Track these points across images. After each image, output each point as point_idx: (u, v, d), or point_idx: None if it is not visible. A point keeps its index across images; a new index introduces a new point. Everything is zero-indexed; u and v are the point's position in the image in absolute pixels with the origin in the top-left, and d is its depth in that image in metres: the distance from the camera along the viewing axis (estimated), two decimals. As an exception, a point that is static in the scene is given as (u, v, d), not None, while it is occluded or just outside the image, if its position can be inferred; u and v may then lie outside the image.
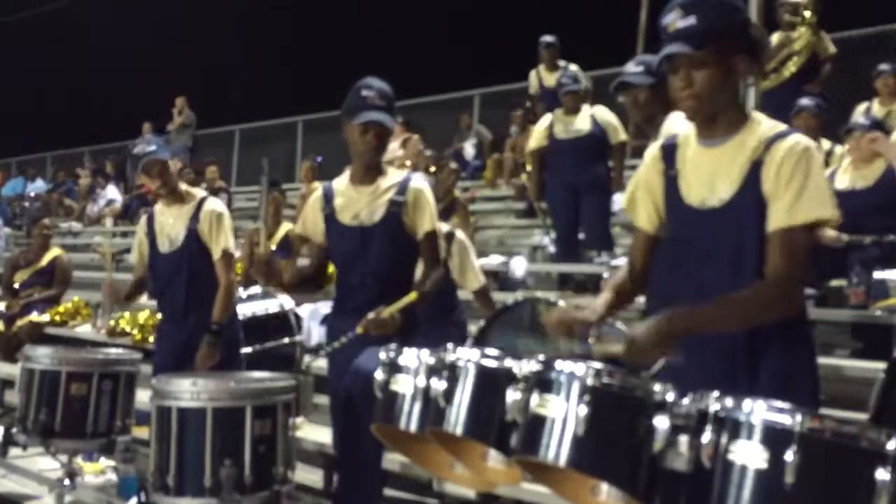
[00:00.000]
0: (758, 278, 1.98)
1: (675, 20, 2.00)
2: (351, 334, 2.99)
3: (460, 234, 4.89)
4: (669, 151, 2.17)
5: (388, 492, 3.89)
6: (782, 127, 2.05)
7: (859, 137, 4.85)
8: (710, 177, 2.06)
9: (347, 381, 3.02)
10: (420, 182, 3.23)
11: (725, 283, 2.01)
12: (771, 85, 6.52)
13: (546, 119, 6.62)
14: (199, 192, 3.96)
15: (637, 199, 2.25)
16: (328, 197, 3.25)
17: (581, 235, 6.46)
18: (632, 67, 3.28)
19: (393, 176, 3.22)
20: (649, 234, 2.23)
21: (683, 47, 1.97)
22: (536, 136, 6.65)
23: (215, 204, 3.85)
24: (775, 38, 6.61)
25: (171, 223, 3.84)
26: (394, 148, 10.13)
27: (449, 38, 16.02)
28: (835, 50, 6.89)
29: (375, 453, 3.03)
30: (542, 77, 8.26)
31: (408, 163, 8.98)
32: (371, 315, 2.94)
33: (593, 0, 13.16)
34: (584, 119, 6.37)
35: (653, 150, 2.25)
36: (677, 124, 3.04)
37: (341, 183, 3.27)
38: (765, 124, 2.06)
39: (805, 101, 5.60)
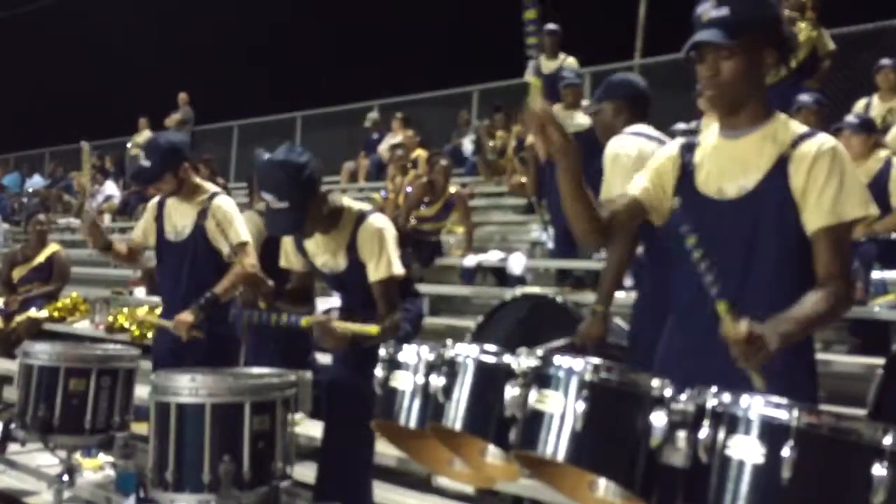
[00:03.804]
0: (769, 271, 1.99)
1: (708, 10, 2.01)
2: (294, 319, 2.95)
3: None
4: (690, 148, 2.17)
5: (386, 487, 3.90)
6: (805, 127, 2.07)
7: (849, 136, 4.86)
8: (732, 167, 2.06)
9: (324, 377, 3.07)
10: (372, 224, 3.04)
11: (735, 275, 2.01)
12: (770, 80, 6.52)
13: None
14: (211, 188, 3.89)
15: (640, 181, 2.20)
16: (298, 239, 3.20)
17: None
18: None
19: (347, 218, 3.08)
20: (637, 199, 2.17)
21: (714, 35, 1.97)
22: None
23: (225, 201, 3.79)
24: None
25: (180, 212, 3.81)
26: (395, 142, 10.17)
27: (448, 35, 16.01)
28: (834, 46, 6.88)
29: (353, 446, 3.05)
30: (540, 65, 8.24)
31: (399, 152, 9.03)
32: (322, 317, 2.91)
33: (593, -4, 13.17)
34: (585, 114, 6.37)
35: (671, 148, 2.22)
36: (621, 144, 3.25)
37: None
38: (789, 122, 2.08)
39: (804, 98, 5.60)
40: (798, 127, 2.06)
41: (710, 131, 2.17)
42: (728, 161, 2.07)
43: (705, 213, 2.08)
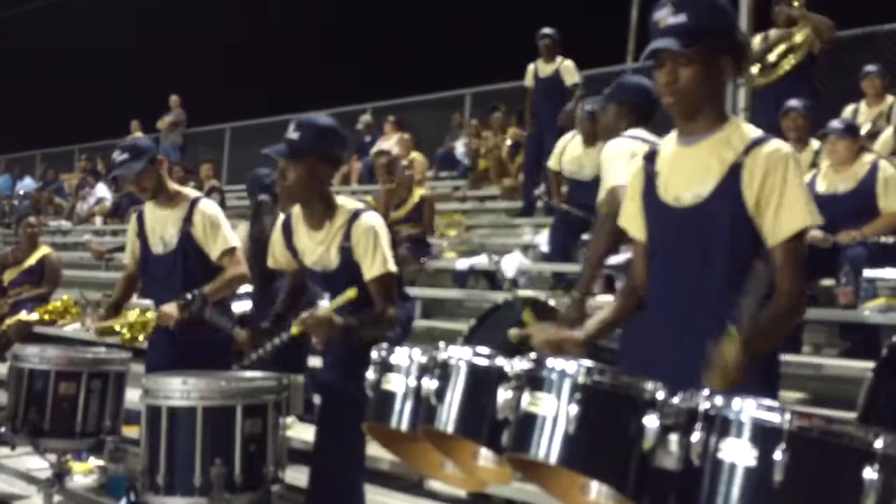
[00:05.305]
0: (721, 279, 1.99)
1: (665, 16, 2.02)
2: (285, 335, 2.96)
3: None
4: (651, 157, 2.20)
5: (378, 491, 3.89)
6: (760, 132, 2.08)
7: (834, 141, 4.88)
8: (688, 174, 2.08)
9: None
10: (366, 221, 3.03)
11: (689, 282, 2.04)
12: (766, 81, 6.41)
13: (565, 140, 6.59)
14: (192, 193, 3.86)
15: (630, 212, 2.25)
16: (288, 234, 3.18)
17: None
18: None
19: (341, 214, 3.06)
20: (645, 244, 2.22)
21: (672, 44, 1.99)
22: (555, 158, 6.66)
23: (208, 206, 3.75)
24: (773, 33, 6.45)
25: (162, 224, 3.76)
26: (390, 144, 10.20)
27: (441, 37, 16.03)
28: (829, 24, 6.64)
29: (345, 450, 3.04)
30: (538, 68, 8.25)
31: (394, 150, 9.12)
32: (305, 315, 2.86)
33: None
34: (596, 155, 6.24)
35: (636, 163, 2.26)
36: (619, 147, 3.26)
37: (298, 219, 3.16)
38: (744, 127, 2.08)
39: (793, 102, 5.61)
40: (751, 131, 2.07)
41: (669, 138, 2.19)
42: (684, 168, 2.09)
43: (663, 220, 2.11)
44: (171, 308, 3.53)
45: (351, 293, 2.83)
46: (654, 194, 2.14)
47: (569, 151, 6.51)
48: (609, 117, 3.48)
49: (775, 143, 2.02)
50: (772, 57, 6.35)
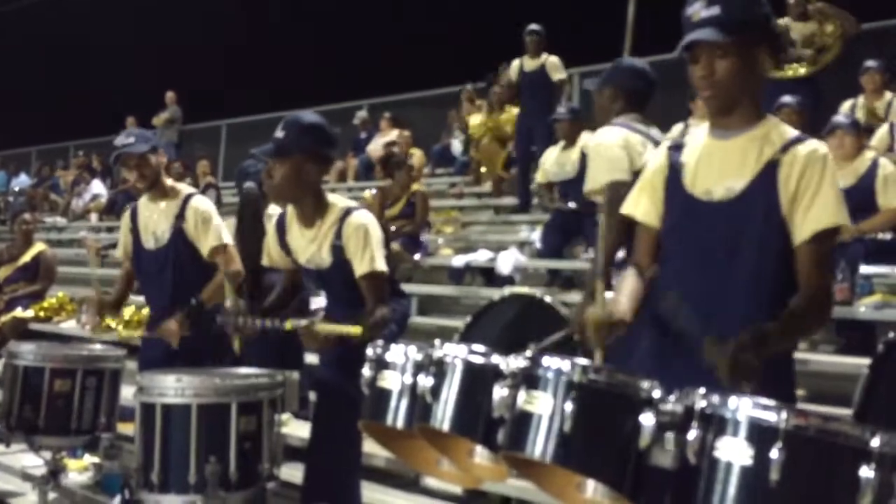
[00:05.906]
0: (747, 276, 1.98)
1: (699, 10, 1.99)
2: (278, 324, 2.97)
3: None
4: (677, 149, 2.17)
5: (375, 488, 3.89)
6: (797, 131, 2.07)
7: (842, 136, 4.88)
8: (720, 168, 2.05)
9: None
10: (355, 219, 3.03)
11: (713, 277, 2.01)
12: (779, 77, 6.27)
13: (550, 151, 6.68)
14: (185, 189, 3.86)
15: (640, 199, 2.22)
16: (282, 233, 3.19)
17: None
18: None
19: (333, 212, 3.06)
20: (652, 229, 2.19)
21: (708, 34, 1.96)
22: (541, 172, 6.79)
23: (201, 202, 3.75)
24: (798, 30, 6.37)
25: (155, 219, 3.76)
26: (389, 140, 10.22)
27: (438, 35, 16.01)
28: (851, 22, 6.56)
29: (340, 447, 3.04)
30: (523, 64, 8.30)
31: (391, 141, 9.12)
32: (305, 322, 2.86)
33: (581, -4, 13.20)
34: (574, 154, 6.28)
35: (659, 155, 2.23)
36: (605, 136, 3.27)
37: (291, 217, 3.17)
38: (781, 125, 2.07)
39: (787, 98, 5.62)
40: (789, 131, 2.05)
41: (699, 130, 2.17)
42: (717, 162, 2.06)
43: (690, 213, 2.08)
44: (171, 325, 3.55)
45: (355, 331, 2.78)
46: (679, 186, 2.11)
47: (551, 159, 6.58)
48: (604, 100, 3.46)
49: (813, 143, 2.01)
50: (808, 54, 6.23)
